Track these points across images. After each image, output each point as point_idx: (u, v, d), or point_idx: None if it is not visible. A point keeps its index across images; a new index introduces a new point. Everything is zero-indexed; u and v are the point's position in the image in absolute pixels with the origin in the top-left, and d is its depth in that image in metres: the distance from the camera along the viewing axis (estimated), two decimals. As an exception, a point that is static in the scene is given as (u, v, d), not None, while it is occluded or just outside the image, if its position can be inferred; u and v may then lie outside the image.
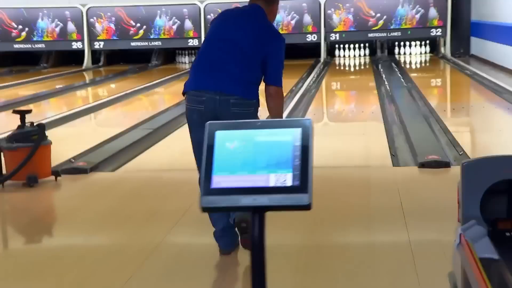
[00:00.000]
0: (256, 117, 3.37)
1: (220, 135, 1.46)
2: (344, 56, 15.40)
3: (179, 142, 6.48)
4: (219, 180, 1.43)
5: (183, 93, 3.44)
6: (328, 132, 7.12)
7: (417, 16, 14.86)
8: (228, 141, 1.45)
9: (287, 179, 1.43)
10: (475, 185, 2.57)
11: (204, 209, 1.44)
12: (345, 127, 7.52)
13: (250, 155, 1.44)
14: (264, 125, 1.47)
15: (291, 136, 1.45)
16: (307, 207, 1.44)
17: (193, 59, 15.81)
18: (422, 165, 5.04)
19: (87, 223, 4.07)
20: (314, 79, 11.68)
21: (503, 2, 11.83)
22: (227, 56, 3.33)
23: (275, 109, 3.40)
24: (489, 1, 13.01)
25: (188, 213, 4.07)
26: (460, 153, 5.56)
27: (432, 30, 14.87)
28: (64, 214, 4.43)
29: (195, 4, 15.08)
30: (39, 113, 9.22)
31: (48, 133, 5.09)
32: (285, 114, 7.50)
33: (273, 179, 1.43)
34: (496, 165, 2.57)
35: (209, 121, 1.50)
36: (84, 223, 4.08)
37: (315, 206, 4.19)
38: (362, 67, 14.26)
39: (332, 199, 4.31)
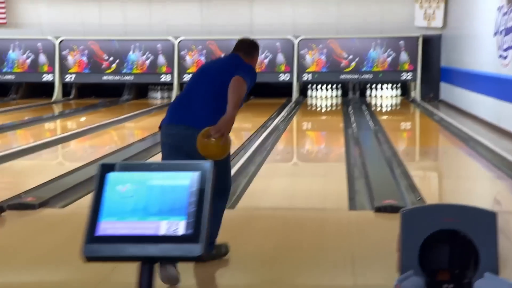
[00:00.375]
0: None
1: (112, 177, 1.36)
2: (316, 96, 15.50)
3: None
4: (106, 227, 1.33)
5: (159, 128, 3.61)
6: (290, 172, 7.07)
7: (389, 59, 15.06)
8: (120, 183, 1.35)
9: (179, 227, 1.33)
10: (413, 234, 2.51)
11: (88, 259, 1.33)
12: (308, 168, 7.47)
13: (142, 199, 1.35)
14: (160, 168, 1.38)
15: (188, 180, 1.35)
16: (198, 258, 1.32)
17: (165, 94, 15.78)
18: (378, 209, 4.98)
19: (27, 261, 3.92)
20: (283, 118, 11.69)
21: (470, 49, 12.04)
22: (196, 90, 3.54)
23: (232, 95, 3.37)
24: (458, 47, 13.24)
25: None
26: (418, 198, 5.52)
27: (403, 74, 15.06)
28: (2, 251, 4.27)
29: (168, 40, 15.11)
30: (4, 144, 9.09)
31: (10, 164, 4.95)
32: (247, 153, 7.45)
33: (164, 227, 1.33)
34: (435, 214, 2.51)
35: (102, 162, 1.42)
36: (24, 261, 3.93)
37: (265, 245, 4.06)
38: (334, 108, 14.34)
39: (283, 240, 4.23)
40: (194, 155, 3.35)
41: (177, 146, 3.44)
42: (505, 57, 9.38)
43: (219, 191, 3.17)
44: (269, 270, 3.69)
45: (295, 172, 7.13)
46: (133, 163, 1.42)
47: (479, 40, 11.23)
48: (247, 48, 3.68)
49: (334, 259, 3.91)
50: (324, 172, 6.90)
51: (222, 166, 3.37)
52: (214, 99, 3.46)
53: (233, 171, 6.42)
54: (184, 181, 1.35)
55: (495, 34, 10.05)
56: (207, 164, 1.35)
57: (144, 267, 1.34)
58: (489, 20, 10.43)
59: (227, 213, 4.90)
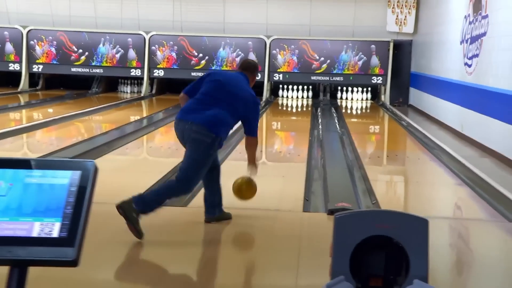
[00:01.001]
0: (210, 151, 4.25)
1: (-14, 173, 1.27)
2: (287, 96, 15.50)
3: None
4: (-28, 227, 1.23)
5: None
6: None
7: (360, 63, 15.12)
8: (-7, 180, 1.27)
9: (54, 229, 1.25)
10: (346, 239, 2.48)
11: None
12: (268, 168, 7.44)
13: (16, 199, 1.26)
14: (39, 165, 1.29)
15: (68, 180, 1.27)
16: (72, 263, 1.23)
17: (135, 89, 15.63)
18: (331, 212, 4.97)
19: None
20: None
21: (438, 56, 12.14)
22: (214, 102, 4.37)
23: (250, 151, 4.65)
24: (427, 53, 13.34)
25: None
26: (373, 202, 5.53)
27: (373, 77, 15.14)
28: None
29: (140, 34, 14.97)
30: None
31: None
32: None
33: (38, 229, 1.24)
34: (368, 220, 2.49)
35: None
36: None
37: (211, 245, 3.99)
38: (304, 109, 14.34)
39: (230, 241, 4.19)
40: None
41: (180, 137, 4.36)
42: (470, 65, 9.47)
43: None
44: (211, 270, 3.65)
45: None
46: (8, 158, 1.31)
47: (447, 48, 11.32)
48: (252, 69, 4.72)
49: (279, 260, 3.89)
50: (284, 172, 6.88)
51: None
52: (228, 115, 4.35)
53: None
54: (63, 180, 1.27)
55: (462, 42, 10.14)
56: (90, 163, 1.28)
57: (12, 271, 1.24)
58: (457, 28, 10.52)
59: (178, 211, 4.86)
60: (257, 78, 4.74)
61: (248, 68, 4.71)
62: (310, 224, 4.77)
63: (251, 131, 4.51)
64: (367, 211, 2.62)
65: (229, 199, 5.63)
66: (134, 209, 4.02)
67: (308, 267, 3.73)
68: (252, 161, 4.64)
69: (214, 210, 4.53)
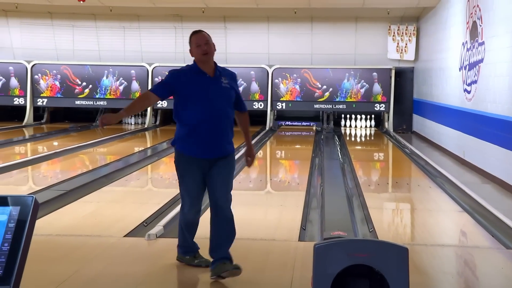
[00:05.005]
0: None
1: None
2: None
3: (87, 206, 6.30)
4: None
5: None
6: (248, 200, 7.01)
7: (362, 90, 15.17)
8: None
9: None
10: (325, 268, 2.48)
11: None
12: (267, 197, 7.43)
13: None
14: None
15: (6, 216, 1.27)
16: None
17: (139, 120, 15.72)
18: (325, 240, 4.94)
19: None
20: (254, 145, 11.65)
21: (438, 83, 12.17)
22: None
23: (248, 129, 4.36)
24: (428, 80, 13.37)
25: (71, 279, 3.87)
26: (371, 230, 5.50)
27: (376, 105, 15.17)
28: None
29: (143, 66, 15.12)
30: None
31: None
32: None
33: None
34: (348, 249, 2.49)
35: None
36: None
37: (204, 276, 3.92)
38: (307, 137, 14.36)
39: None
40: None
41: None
42: (469, 92, 9.48)
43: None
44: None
45: (253, 200, 7.07)
46: None
47: (447, 74, 11.35)
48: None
49: (271, 292, 3.85)
50: (283, 201, 6.86)
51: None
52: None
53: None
54: (1, 216, 1.26)
55: (460, 68, 10.17)
56: (29, 199, 1.27)
57: None
58: (455, 55, 10.56)
59: (172, 241, 4.84)
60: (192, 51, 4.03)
61: None
62: (304, 254, 4.73)
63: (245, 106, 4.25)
64: (346, 240, 2.62)
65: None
66: (229, 264, 3.92)
67: (299, 298, 3.70)
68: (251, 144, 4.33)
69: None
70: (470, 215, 6.22)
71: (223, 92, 4.01)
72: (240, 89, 15.57)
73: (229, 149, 4.04)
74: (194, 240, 4.17)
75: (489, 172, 8.26)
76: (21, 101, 15.02)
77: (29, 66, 15.01)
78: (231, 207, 4.04)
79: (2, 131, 13.50)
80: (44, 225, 5.49)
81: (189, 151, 3.96)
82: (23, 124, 14.84)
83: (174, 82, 3.99)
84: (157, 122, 15.49)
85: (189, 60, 4.06)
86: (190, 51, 4.03)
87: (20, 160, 9.54)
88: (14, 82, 15.03)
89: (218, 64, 4.11)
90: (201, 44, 3.96)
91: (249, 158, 4.27)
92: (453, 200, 7.03)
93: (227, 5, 14.05)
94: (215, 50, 4.02)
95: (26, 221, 1.24)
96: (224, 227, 4.00)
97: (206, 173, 3.98)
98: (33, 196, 1.28)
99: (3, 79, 15.03)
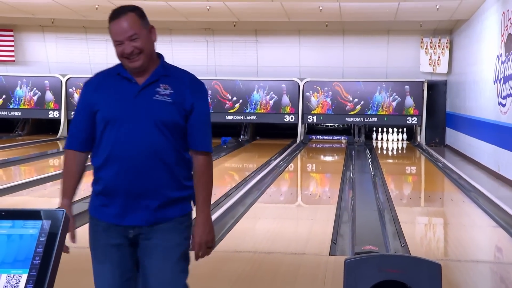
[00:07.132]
0: None
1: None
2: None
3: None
4: None
5: None
6: (278, 214, 6.99)
7: (394, 103, 15.05)
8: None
9: (20, 280, 1.21)
10: (356, 283, 2.45)
11: None
12: (297, 210, 7.40)
13: None
14: (9, 215, 1.27)
15: (38, 230, 1.26)
16: None
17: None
18: (356, 255, 4.89)
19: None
20: (284, 159, 11.65)
21: (472, 96, 12.00)
22: None
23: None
24: (461, 93, 13.20)
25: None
26: (403, 245, 5.42)
27: (408, 118, 15.02)
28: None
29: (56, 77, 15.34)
30: (8, 178, 9.17)
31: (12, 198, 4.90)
32: (239, 194, 7.39)
33: (4, 281, 1.21)
34: (379, 264, 2.46)
35: None
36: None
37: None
38: (338, 151, 14.28)
39: (253, 286, 4.14)
40: None
41: None
42: (504, 105, 9.33)
43: None
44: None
45: (284, 214, 7.05)
46: None
47: (480, 87, 11.19)
48: None
49: (302, 306, 3.82)
50: (313, 214, 6.82)
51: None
52: None
53: (222, 210, 6.39)
54: (33, 230, 1.25)
55: (495, 81, 10.02)
56: (60, 213, 1.27)
57: None
58: (489, 68, 10.41)
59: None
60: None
61: None
62: (334, 269, 4.69)
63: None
64: (377, 256, 2.59)
65: (256, 240, 5.60)
66: None
67: (329, 313, 3.66)
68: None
69: None
70: (506, 231, 6.09)
71: (153, 108, 2.34)
72: (271, 102, 15.68)
73: (170, 211, 2.36)
74: None
75: (525, 186, 8.09)
76: (56, 114, 15.27)
77: (63, 80, 15.28)
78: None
79: (38, 144, 13.75)
80: (77, 237, 5.54)
81: (97, 213, 2.42)
82: (58, 137, 15.08)
83: (84, 99, 2.41)
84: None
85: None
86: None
87: (55, 173, 9.67)
88: (49, 95, 15.31)
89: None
90: (121, 40, 2.31)
91: (195, 239, 2.40)
92: (488, 215, 6.89)
93: (258, 19, 14.10)
94: (155, 40, 2.41)
95: (57, 234, 1.24)
96: None
97: (132, 256, 2.38)
98: (63, 210, 1.28)
99: (39, 92, 15.33)
